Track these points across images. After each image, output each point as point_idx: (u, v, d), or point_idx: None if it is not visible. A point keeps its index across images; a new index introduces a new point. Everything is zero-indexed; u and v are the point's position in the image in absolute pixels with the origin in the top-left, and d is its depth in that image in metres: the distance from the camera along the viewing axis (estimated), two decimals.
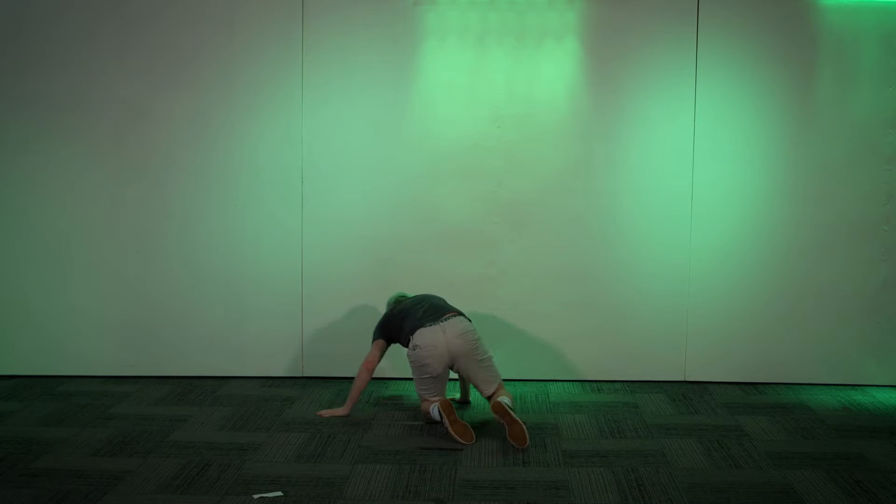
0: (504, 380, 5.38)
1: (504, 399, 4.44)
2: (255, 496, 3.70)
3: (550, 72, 5.33)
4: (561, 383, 5.42)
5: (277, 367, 5.50)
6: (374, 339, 4.82)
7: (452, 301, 5.26)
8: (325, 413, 4.77)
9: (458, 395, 5.06)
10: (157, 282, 5.43)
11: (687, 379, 5.44)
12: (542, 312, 5.43)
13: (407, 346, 4.66)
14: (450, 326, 4.55)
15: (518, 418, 4.34)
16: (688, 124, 5.30)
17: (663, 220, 5.35)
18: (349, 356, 5.38)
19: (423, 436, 4.46)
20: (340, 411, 4.76)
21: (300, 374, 5.50)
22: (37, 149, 5.36)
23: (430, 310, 4.65)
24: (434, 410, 4.50)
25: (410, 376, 4.68)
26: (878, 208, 5.31)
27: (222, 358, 5.48)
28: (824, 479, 3.91)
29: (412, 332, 4.58)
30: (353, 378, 5.05)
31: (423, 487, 3.80)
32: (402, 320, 4.71)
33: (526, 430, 4.30)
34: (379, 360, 4.80)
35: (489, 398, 4.54)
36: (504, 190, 5.37)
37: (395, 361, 5.25)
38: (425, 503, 3.65)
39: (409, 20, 5.31)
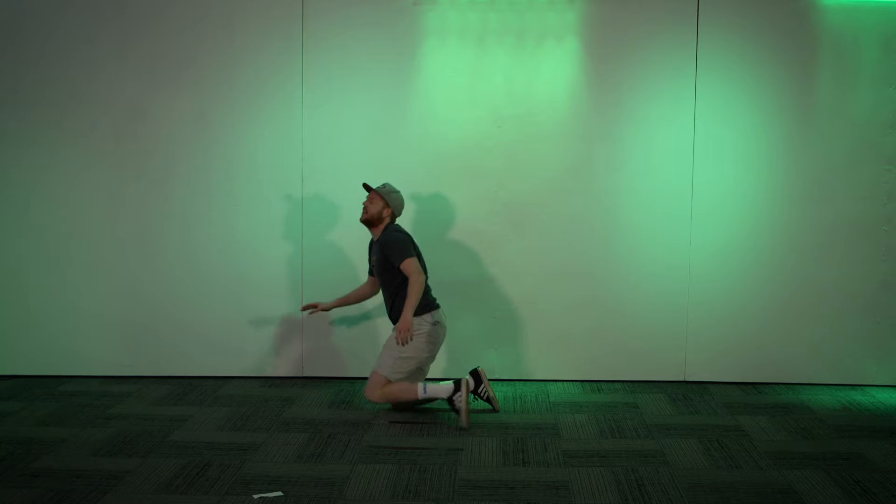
0: (504, 380, 5.42)
1: None
2: (255, 496, 3.70)
3: (550, 72, 5.32)
4: (561, 383, 5.42)
5: (277, 367, 5.50)
6: (409, 256, 4.66)
7: (453, 301, 5.26)
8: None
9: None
10: (157, 282, 5.43)
11: (687, 379, 5.44)
12: (542, 312, 5.42)
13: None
14: (442, 310, 4.90)
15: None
16: (688, 124, 5.30)
17: (663, 220, 5.35)
18: (349, 356, 5.41)
19: (422, 436, 4.46)
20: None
21: (300, 374, 5.50)
22: (37, 149, 5.36)
23: (428, 288, 4.85)
24: (426, 388, 4.67)
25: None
26: (878, 208, 5.31)
27: (222, 358, 5.48)
28: (824, 479, 3.91)
29: (432, 307, 4.77)
30: (353, 378, 5.07)
31: (423, 487, 3.80)
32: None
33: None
34: None
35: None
36: (504, 190, 5.37)
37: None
38: (425, 503, 3.65)
39: (409, 20, 5.31)
